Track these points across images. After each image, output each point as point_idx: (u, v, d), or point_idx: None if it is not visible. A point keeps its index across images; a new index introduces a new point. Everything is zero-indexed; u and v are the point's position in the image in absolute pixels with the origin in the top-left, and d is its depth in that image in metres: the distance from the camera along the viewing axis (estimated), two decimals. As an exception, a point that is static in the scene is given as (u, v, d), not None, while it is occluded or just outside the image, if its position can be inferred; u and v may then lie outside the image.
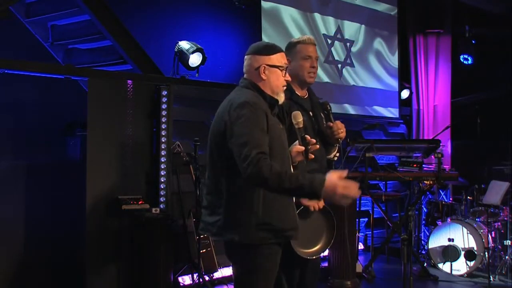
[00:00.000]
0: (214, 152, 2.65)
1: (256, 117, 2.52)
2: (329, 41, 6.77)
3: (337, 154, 3.47)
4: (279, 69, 2.72)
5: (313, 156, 2.74)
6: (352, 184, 2.42)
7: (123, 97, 4.56)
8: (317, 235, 3.28)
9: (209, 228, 2.65)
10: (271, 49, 2.74)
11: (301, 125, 2.79)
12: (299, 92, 3.33)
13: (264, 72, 2.70)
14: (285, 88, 2.79)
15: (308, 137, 2.77)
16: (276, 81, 2.72)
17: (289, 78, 2.81)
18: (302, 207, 3.14)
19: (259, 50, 2.74)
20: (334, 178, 2.40)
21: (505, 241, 6.00)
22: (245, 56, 2.79)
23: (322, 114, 3.42)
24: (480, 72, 8.07)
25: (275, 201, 2.59)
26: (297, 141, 2.86)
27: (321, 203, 3.20)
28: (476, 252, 5.79)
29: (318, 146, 2.77)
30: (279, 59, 2.73)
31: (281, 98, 2.78)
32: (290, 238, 2.70)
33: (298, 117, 2.77)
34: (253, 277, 2.63)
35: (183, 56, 5.04)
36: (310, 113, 3.32)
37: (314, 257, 3.29)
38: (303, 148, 2.76)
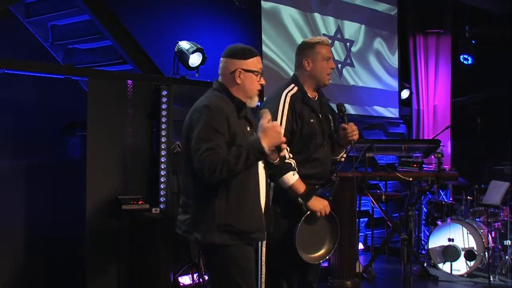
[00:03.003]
0: (184, 153, 2.73)
1: (214, 121, 2.58)
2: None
3: (344, 155, 3.47)
4: (254, 73, 2.74)
5: (285, 153, 2.71)
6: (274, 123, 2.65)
7: (123, 97, 4.55)
8: (321, 240, 3.28)
9: (180, 226, 2.75)
10: (248, 54, 2.75)
11: None
12: (310, 93, 3.31)
13: (239, 77, 2.72)
14: (258, 92, 2.80)
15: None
16: (250, 85, 2.75)
17: (263, 82, 2.81)
18: (309, 212, 3.14)
19: (235, 54, 2.75)
20: (265, 124, 2.58)
21: (505, 241, 6.01)
22: (221, 58, 2.81)
23: (331, 116, 3.41)
24: (480, 72, 8.07)
25: (238, 203, 2.64)
26: None
27: (328, 209, 3.21)
28: (476, 252, 5.79)
29: (285, 145, 2.71)
30: (255, 63, 2.75)
31: (254, 102, 2.81)
32: (257, 240, 2.75)
33: (266, 115, 2.71)
34: (221, 277, 2.69)
35: (183, 56, 5.04)
36: (320, 115, 3.31)
37: (317, 262, 3.29)
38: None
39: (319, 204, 3.17)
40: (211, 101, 2.67)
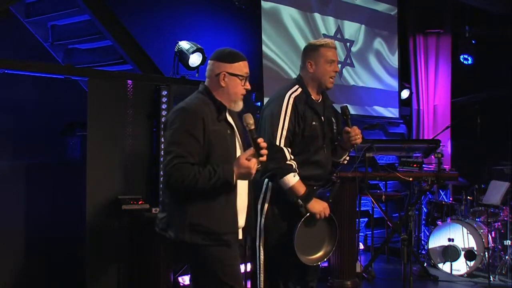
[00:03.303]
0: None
1: (188, 124, 2.63)
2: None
3: (347, 158, 3.46)
4: (239, 78, 2.77)
5: (264, 158, 2.69)
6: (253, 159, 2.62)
7: (123, 97, 4.55)
8: (319, 242, 3.28)
9: (158, 224, 2.79)
10: (234, 57, 2.78)
11: (252, 127, 2.69)
12: (314, 95, 3.30)
13: (223, 79, 2.76)
14: (242, 96, 2.80)
15: (260, 139, 2.70)
16: (234, 89, 2.77)
17: (249, 87, 2.81)
18: (308, 214, 3.14)
19: (222, 57, 2.79)
20: (243, 160, 2.60)
21: (505, 241, 6.01)
22: (208, 60, 2.85)
23: (334, 119, 3.40)
24: (480, 72, 8.07)
25: (210, 204, 2.67)
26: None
27: (327, 211, 3.21)
28: (476, 252, 5.79)
29: (266, 151, 2.68)
30: (241, 68, 2.77)
31: (238, 107, 2.81)
32: (229, 242, 2.73)
33: (248, 119, 2.69)
34: (202, 275, 2.74)
35: (183, 56, 5.04)
36: (322, 118, 3.30)
37: (315, 264, 3.29)
38: (252, 151, 2.68)
39: (319, 206, 3.17)
40: (190, 103, 2.74)
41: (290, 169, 3.09)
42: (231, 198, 2.73)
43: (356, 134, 3.24)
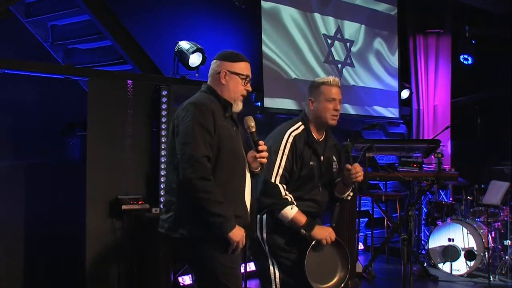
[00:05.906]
0: (168, 152, 2.84)
1: (201, 117, 2.68)
2: (329, 41, 6.76)
3: (351, 194, 3.43)
4: (240, 77, 2.84)
5: (264, 161, 2.83)
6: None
7: (123, 97, 4.56)
8: (333, 269, 3.25)
9: (163, 225, 2.78)
10: (236, 58, 2.88)
11: (253, 129, 2.84)
12: (315, 134, 3.26)
13: (224, 77, 2.84)
14: (243, 97, 2.87)
15: (261, 142, 2.85)
16: (234, 87, 2.84)
17: (249, 88, 2.88)
18: (315, 241, 3.13)
19: (224, 57, 2.89)
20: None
21: (505, 241, 6.01)
22: (212, 61, 2.93)
23: (336, 158, 3.38)
24: (480, 72, 8.07)
25: (225, 199, 2.68)
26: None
27: (333, 236, 3.19)
28: (476, 252, 5.79)
29: (266, 154, 2.85)
30: (241, 67, 2.86)
31: (238, 107, 2.87)
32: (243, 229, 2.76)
33: (250, 122, 2.84)
34: (205, 274, 2.75)
35: (183, 56, 5.04)
36: (321, 157, 3.29)
37: None
38: (255, 153, 2.85)
39: (323, 232, 3.16)
40: (198, 99, 2.79)
41: (286, 203, 3.09)
42: (241, 194, 2.79)
43: (357, 172, 3.20)
